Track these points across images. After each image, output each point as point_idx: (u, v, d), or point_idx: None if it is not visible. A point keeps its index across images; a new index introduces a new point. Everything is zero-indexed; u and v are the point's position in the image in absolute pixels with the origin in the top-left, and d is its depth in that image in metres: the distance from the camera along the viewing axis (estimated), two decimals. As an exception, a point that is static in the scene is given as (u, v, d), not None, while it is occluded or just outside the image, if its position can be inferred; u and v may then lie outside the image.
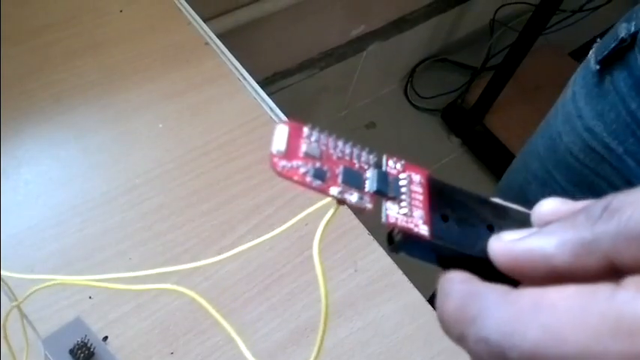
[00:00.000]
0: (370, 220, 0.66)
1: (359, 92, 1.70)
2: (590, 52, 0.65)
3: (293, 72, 1.41)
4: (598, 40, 0.65)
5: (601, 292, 0.18)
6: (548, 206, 0.24)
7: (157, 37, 0.71)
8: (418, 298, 0.59)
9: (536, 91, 1.77)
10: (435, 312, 0.59)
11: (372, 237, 0.61)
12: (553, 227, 0.22)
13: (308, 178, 0.24)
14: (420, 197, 0.25)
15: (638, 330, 0.17)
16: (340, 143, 0.25)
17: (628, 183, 0.60)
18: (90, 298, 0.53)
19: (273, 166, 0.24)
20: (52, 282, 0.31)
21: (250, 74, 0.70)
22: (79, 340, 0.48)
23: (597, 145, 0.62)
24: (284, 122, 0.25)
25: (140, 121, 0.64)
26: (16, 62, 0.65)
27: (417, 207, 0.24)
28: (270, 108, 0.68)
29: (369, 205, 0.24)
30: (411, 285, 0.60)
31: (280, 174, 0.24)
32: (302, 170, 0.24)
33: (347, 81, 1.62)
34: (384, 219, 0.24)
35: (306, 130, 0.25)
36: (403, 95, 1.88)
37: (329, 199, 0.25)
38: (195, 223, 0.59)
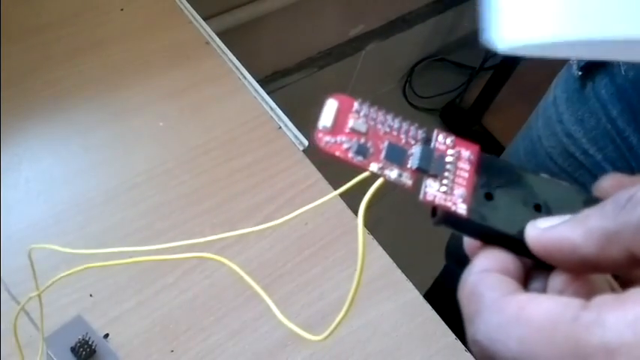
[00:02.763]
0: (370, 219, 0.66)
1: (357, 92, 1.70)
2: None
3: (292, 71, 1.41)
4: None
5: (570, 311, 0.20)
6: (608, 182, 0.25)
7: (157, 35, 0.71)
8: (417, 297, 0.59)
9: (534, 91, 1.76)
10: (433, 311, 0.59)
11: (371, 236, 0.62)
12: (585, 213, 0.22)
13: (350, 154, 0.25)
14: (465, 175, 0.25)
15: (590, 356, 0.19)
16: (389, 118, 0.26)
17: None
18: (90, 296, 0.53)
19: (318, 141, 0.25)
20: (80, 268, 0.31)
21: (249, 73, 0.71)
22: (80, 337, 0.48)
23: (576, 150, 0.62)
24: (334, 96, 0.25)
25: (141, 120, 0.65)
26: (18, 60, 0.65)
27: (459, 185, 0.25)
28: (271, 107, 0.68)
29: (409, 182, 0.25)
30: (410, 284, 0.60)
31: (323, 149, 0.25)
32: (345, 146, 0.25)
33: (345, 80, 1.62)
34: (421, 196, 0.24)
35: (356, 104, 0.26)
36: (402, 95, 1.88)
37: (331, 196, 0.25)
38: (195, 221, 0.59)
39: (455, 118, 1.85)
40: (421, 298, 0.59)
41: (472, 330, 0.22)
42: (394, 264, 0.61)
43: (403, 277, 0.60)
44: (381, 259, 0.61)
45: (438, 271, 1.02)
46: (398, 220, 1.37)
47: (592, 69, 0.60)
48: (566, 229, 0.22)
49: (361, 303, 0.58)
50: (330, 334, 0.26)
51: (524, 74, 1.68)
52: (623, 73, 0.56)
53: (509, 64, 1.59)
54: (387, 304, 0.58)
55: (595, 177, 0.64)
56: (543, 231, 0.23)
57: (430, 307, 0.59)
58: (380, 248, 0.61)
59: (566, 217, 0.23)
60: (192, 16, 0.74)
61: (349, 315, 0.59)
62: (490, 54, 1.83)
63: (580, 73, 0.61)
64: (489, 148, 1.74)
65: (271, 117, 0.67)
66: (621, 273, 0.22)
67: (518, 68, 1.60)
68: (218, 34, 0.73)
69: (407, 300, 0.59)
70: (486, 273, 0.24)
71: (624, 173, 0.26)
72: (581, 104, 0.61)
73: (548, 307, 0.20)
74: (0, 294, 0.49)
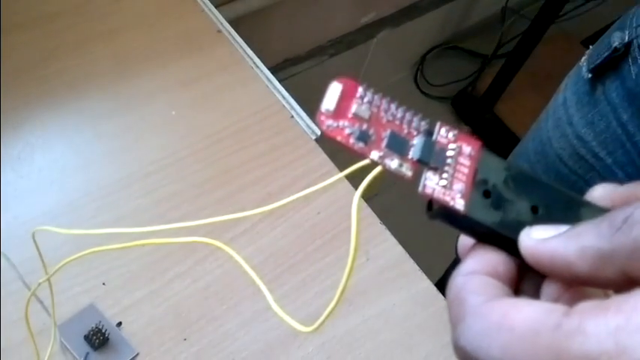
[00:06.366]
0: (382, 208, 0.66)
1: (369, 80, 1.68)
2: (583, 59, 0.63)
3: (303, 59, 1.40)
4: (590, 46, 0.63)
5: (552, 318, 0.20)
6: (600, 192, 0.25)
7: (169, 23, 0.71)
8: (429, 287, 0.59)
9: (547, 79, 1.74)
10: (445, 301, 0.59)
11: (384, 226, 0.61)
12: (580, 229, 0.22)
13: (351, 140, 0.24)
14: (465, 170, 0.25)
15: None
16: (393, 106, 0.25)
17: None
18: (103, 284, 0.53)
19: (320, 124, 0.24)
20: (86, 252, 0.31)
21: (261, 61, 0.70)
22: (93, 326, 0.48)
23: (587, 153, 0.62)
24: (339, 80, 0.25)
25: (153, 108, 0.64)
26: (30, 49, 0.65)
27: (458, 180, 0.24)
28: (283, 96, 0.68)
29: (409, 173, 0.24)
30: (422, 274, 0.60)
31: (325, 133, 0.24)
32: (347, 131, 0.25)
33: (357, 68, 1.61)
34: (420, 189, 0.24)
35: (360, 89, 0.25)
36: (413, 83, 1.87)
37: (335, 178, 0.25)
38: (207, 210, 0.59)
39: (467, 107, 1.83)
40: (434, 288, 0.59)
41: (455, 335, 0.22)
42: (406, 253, 0.60)
43: (415, 266, 0.60)
44: (394, 248, 0.60)
45: (450, 260, 1.02)
46: (410, 208, 1.36)
47: (603, 72, 0.59)
48: (560, 245, 0.22)
49: (373, 292, 0.58)
50: (319, 326, 0.26)
51: (536, 62, 1.66)
52: (633, 77, 0.55)
53: (523, 52, 1.57)
54: (399, 293, 0.58)
55: (606, 180, 0.64)
56: (537, 242, 0.23)
57: (443, 297, 0.58)
58: (392, 238, 0.61)
59: (562, 227, 0.22)
60: (204, 3, 0.74)
61: (360, 304, 0.59)
62: (503, 41, 1.82)
63: (590, 75, 0.60)
64: (501, 136, 1.73)
65: (283, 106, 0.67)
66: (615, 291, 0.22)
67: (532, 56, 1.58)
68: (230, 22, 0.73)
69: (419, 290, 0.59)
70: (472, 275, 0.23)
71: (633, 179, 0.26)
72: (591, 107, 0.61)
73: (530, 314, 0.20)
74: (0, 282, 0.49)
